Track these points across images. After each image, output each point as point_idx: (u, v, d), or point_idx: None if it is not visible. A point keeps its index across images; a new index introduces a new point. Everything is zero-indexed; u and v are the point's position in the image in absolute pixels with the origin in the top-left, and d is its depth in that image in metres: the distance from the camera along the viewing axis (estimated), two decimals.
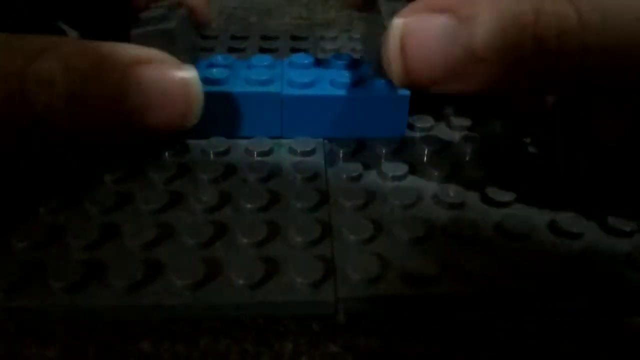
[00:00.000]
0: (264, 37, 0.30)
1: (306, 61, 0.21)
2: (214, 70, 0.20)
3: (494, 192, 0.17)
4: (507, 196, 0.17)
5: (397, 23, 0.14)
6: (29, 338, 0.14)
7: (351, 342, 0.14)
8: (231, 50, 0.28)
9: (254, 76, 0.20)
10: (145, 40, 0.18)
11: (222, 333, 0.14)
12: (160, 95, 0.16)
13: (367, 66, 0.21)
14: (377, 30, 0.19)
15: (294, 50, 0.28)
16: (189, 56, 0.20)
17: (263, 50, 0.28)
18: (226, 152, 0.19)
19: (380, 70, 0.18)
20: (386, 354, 0.14)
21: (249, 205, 0.17)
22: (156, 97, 0.16)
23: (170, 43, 0.18)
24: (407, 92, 0.19)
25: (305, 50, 0.28)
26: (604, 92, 0.15)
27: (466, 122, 0.22)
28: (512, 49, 0.13)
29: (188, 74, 0.17)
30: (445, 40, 0.14)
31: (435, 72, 0.14)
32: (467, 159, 0.19)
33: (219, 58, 0.21)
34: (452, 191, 0.17)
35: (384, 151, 0.20)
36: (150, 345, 0.14)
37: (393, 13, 0.17)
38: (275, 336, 0.14)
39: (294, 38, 0.30)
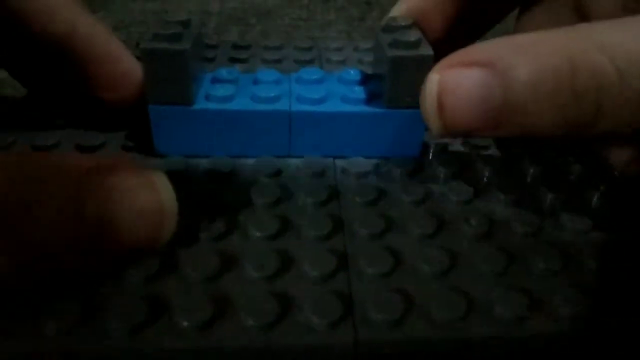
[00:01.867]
0: (267, 48, 0.29)
1: (314, 76, 0.20)
2: (219, 86, 0.19)
3: (520, 220, 0.16)
4: (534, 224, 0.16)
5: (433, 79, 0.14)
6: None
7: None
8: (233, 60, 0.27)
9: (261, 93, 0.18)
10: (156, 58, 0.17)
11: None
12: (126, 211, 0.12)
13: (379, 81, 0.20)
14: (380, 60, 0.19)
15: (298, 61, 0.27)
16: (197, 72, 0.19)
17: (266, 62, 0.27)
18: (231, 173, 0.18)
19: (390, 99, 0.18)
20: None
21: (257, 234, 0.16)
22: (121, 211, 0.12)
23: (182, 63, 0.17)
24: None
25: (309, 62, 0.27)
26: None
27: (484, 142, 0.20)
28: (549, 101, 0.13)
29: (160, 181, 0.13)
30: (482, 93, 0.13)
31: (472, 124, 0.14)
32: (485, 180, 0.18)
33: (224, 72, 0.20)
34: (474, 219, 0.16)
35: (399, 172, 0.18)
36: None
37: (389, 45, 0.17)
38: None
39: (298, 49, 0.29)
